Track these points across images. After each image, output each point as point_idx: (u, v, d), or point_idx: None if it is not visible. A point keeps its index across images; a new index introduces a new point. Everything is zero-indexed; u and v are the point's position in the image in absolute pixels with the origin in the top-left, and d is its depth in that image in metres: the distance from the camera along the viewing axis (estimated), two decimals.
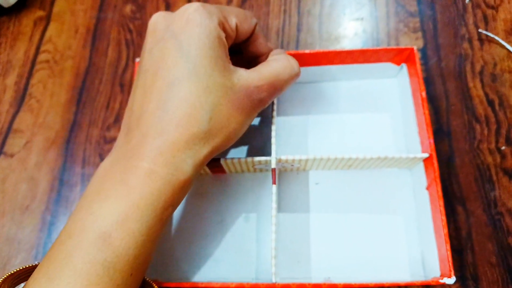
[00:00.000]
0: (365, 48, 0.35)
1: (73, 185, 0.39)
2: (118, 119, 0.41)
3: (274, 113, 0.33)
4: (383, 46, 0.42)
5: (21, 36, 0.45)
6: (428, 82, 0.40)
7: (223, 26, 0.27)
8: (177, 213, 0.35)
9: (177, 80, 0.24)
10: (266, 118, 0.38)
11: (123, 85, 0.42)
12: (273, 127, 0.32)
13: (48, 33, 0.45)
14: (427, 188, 0.32)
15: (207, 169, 0.33)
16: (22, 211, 0.38)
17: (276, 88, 0.28)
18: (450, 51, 0.42)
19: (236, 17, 0.28)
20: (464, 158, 0.37)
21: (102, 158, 0.39)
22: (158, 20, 0.27)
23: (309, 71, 0.37)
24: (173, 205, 0.24)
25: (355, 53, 0.35)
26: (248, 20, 0.29)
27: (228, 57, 0.27)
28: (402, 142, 0.37)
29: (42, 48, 0.45)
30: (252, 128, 0.38)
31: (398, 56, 0.36)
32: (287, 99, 0.39)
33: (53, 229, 0.37)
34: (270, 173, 0.36)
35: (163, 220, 0.24)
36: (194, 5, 0.26)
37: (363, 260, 0.33)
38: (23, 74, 0.43)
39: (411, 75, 0.36)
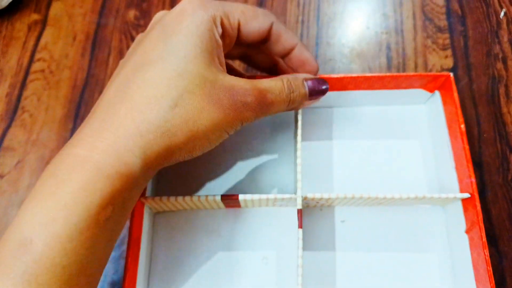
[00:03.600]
0: (395, 73, 0.32)
1: None
2: None
3: (298, 139, 0.30)
4: (410, 63, 0.39)
5: (14, 41, 0.41)
6: None
7: (221, 22, 0.24)
8: (183, 252, 0.32)
9: (149, 62, 0.22)
10: (287, 143, 0.35)
11: None
12: (299, 160, 0.29)
13: (43, 39, 0.41)
14: (467, 232, 0.29)
15: (219, 203, 0.30)
16: None
17: (265, 101, 0.24)
18: (482, 72, 0.38)
19: (241, 15, 0.25)
20: (497, 192, 0.34)
21: None
22: (156, 15, 0.27)
23: (333, 96, 0.34)
24: (114, 204, 0.20)
25: (385, 78, 0.32)
26: (259, 18, 0.26)
27: (221, 57, 0.24)
28: (434, 174, 0.34)
29: (37, 55, 0.41)
30: (271, 154, 0.35)
31: (432, 82, 0.33)
32: (311, 123, 0.36)
33: None
34: (290, 208, 0.32)
35: (100, 222, 0.19)
36: None
37: None
38: (16, 84, 0.40)
39: (445, 103, 0.33)
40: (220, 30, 0.24)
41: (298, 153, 0.29)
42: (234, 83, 0.23)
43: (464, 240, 0.29)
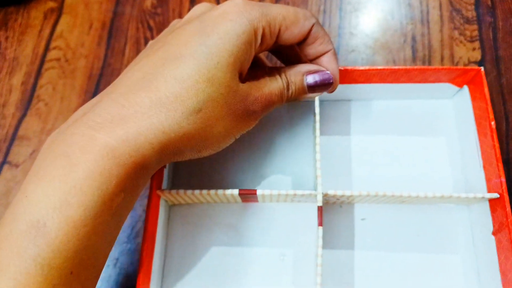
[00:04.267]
0: (423, 66, 0.30)
1: None
2: None
3: (317, 133, 0.29)
4: (436, 55, 0.37)
5: (30, 29, 0.41)
6: None
7: (262, 32, 0.23)
8: (198, 246, 0.31)
9: (181, 57, 0.21)
10: (306, 136, 0.34)
11: None
12: (318, 156, 0.28)
13: (59, 27, 0.41)
14: (494, 234, 0.28)
15: (237, 197, 0.29)
16: None
17: (268, 105, 0.25)
18: (511, 65, 0.37)
19: (282, 21, 0.24)
20: None
21: None
22: (196, 8, 0.26)
23: (356, 88, 0.33)
24: (125, 191, 0.20)
25: (412, 72, 0.30)
26: (299, 23, 0.25)
27: (247, 65, 0.24)
28: (460, 172, 0.32)
29: (53, 44, 0.40)
30: (290, 148, 0.33)
31: (460, 76, 0.31)
32: (331, 117, 0.34)
33: None
34: (309, 204, 0.31)
35: (112, 209, 0.19)
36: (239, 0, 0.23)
37: None
38: (31, 73, 0.39)
39: (474, 98, 0.31)
40: (259, 42, 0.23)
41: (317, 148, 0.28)
42: (248, 92, 0.23)
43: (491, 242, 0.28)
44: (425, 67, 0.30)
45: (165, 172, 0.30)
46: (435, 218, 0.31)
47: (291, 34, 0.25)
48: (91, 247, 0.19)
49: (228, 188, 0.28)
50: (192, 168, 0.33)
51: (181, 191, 0.28)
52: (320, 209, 0.27)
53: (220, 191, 0.28)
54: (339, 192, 0.27)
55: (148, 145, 0.20)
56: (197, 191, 0.28)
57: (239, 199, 0.30)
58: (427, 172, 0.32)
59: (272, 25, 0.23)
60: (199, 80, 0.21)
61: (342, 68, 0.30)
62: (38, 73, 0.39)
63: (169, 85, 0.20)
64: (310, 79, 0.26)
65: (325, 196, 0.28)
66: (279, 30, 0.24)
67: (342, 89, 0.33)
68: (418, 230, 0.31)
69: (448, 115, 0.34)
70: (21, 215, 0.18)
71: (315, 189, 0.28)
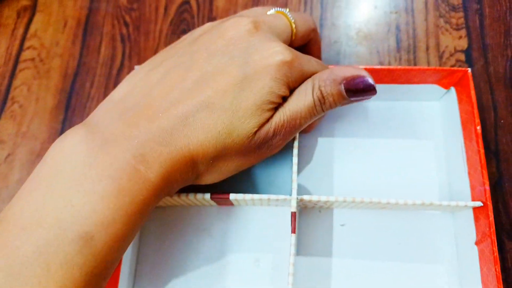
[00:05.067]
0: (407, 67, 0.29)
1: None
2: None
3: (295, 143, 0.27)
4: (421, 45, 0.36)
5: (3, 29, 0.40)
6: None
7: (298, 80, 0.24)
8: (172, 251, 0.30)
9: (214, 107, 0.22)
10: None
11: None
12: (295, 160, 0.27)
13: (33, 26, 0.40)
14: (477, 244, 0.27)
15: (210, 200, 0.28)
16: None
17: (293, 129, 0.25)
18: (499, 53, 0.35)
19: (309, 71, 0.25)
20: None
21: None
22: (234, 34, 0.24)
23: None
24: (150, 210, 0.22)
25: (396, 72, 0.29)
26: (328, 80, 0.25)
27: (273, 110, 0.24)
28: (445, 178, 0.31)
29: (27, 43, 0.39)
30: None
31: (447, 78, 0.30)
32: None
33: None
34: (286, 208, 0.30)
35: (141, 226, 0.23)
36: (285, 51, 0.23)
37: None
38: (5, 74, 0.38)
39: (460, 101, 0.30)
40: (284, 94, 0.24)
41: (295, 151, 0.27)
42: (267, 130, 0.23)
43: (473, 252, 0.27)
44: (410, 67, 0.29)
45: None
46: (418, 225, 0.30)
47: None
48: (121, 256, 0.21)
49: (200, 191, 0.27)
50: None
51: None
52: (293, 215, 0.26)
53: (191, 195, 0.26)
54: (314, 198, 0.26)
55: (179, 176, 0.22)
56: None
57: (213, 202, 0.29)
58: (411, 177, 0.31)
59: (300, 81, 0.24)
60: (221, 132, 0.22)
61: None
62: (12, 74, 0.38)
63: (203, 114, 0.22)
64: (348, 86, 0.24)
65: (301, 201, 0.27)
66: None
67: None
68: (400, 238, 0.30)
69: (435, 118, 0.33)
70: (68, 224, 0.19)
71: (290, 192, 0.27)
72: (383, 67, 0.29)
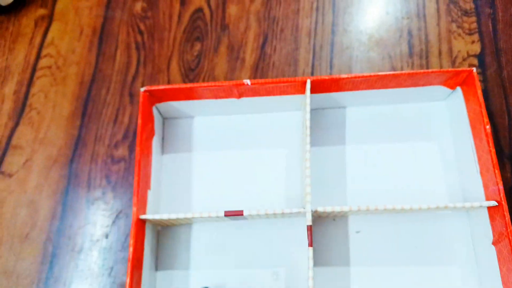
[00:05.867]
0: (412, 71, 0.29)
1: (77, 211, 0.34)
2: (127, 135, 0.36)
3: (307, 147, 0.27)
4: (433, 50, 0.36)
5: (21, 38, 0.41)
6: (486, 94, 0.34)
7: None
8: (188, 268, 0.31)
9: None
10: (295, 146, 0.33)
11: (133, 95, 0.37)
12: (307, 172, 0.27)
13: (50, 35, 0.40)
14: (494, 244, 0.26)
15: (224, 217, 0.28)
16: (21, 240, 0.34)
17: None
18: None
19: None
20: None
21: (109, 181, 0.35)
22: None
23: (345, 96, 0.32)
24: None
25: (401, 77, 0.29)
26: None
27: None
28: (456, 179, 0.31)
29: (44, 51, 0.40)
30: (279, 160, 0.33)
31: (452, 78, 0.30)
32: (321, 127, 0.33)
33: (55, 262, 0.33)
34: (300, 219, 0.31)
35: None
36: None
37: None
38: (23, 81, 0.39)
39: (467, 101, 0.30)
40: None
41: (307, 163, 0.27)
42: None
43: (491, 253, 0.27)
44: (415, 71, 0.29)
45: (148, 196, 0.30)
46: (433, 227, 0.30)
47: None
48: None
49: (213, 209, 0.27)
50: (176, 192, 0.33)
51: (165, 216, 0.27)
52: (309, 228, 0.26)
53: (205, 214, 0.27)
54: (328, 209, 0.26)
55: None
56: (181, 214, 0.27)
57: (226, 218, 0.29)
58: (423, 180, 0.31)
59: None
60: None
61: (327, 78, 0.29)
62: (30, 82, 0.39)
63: None
64: None
65: (315, 212, 0.27)
66: None
67: (329, 97, 0.32)
68: (416, 241, 0.30)
69: (442, 118, 0.33)
70: None
71: (304, 205, 0.27)
72: (388, 73, 0.29)
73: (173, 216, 0.27)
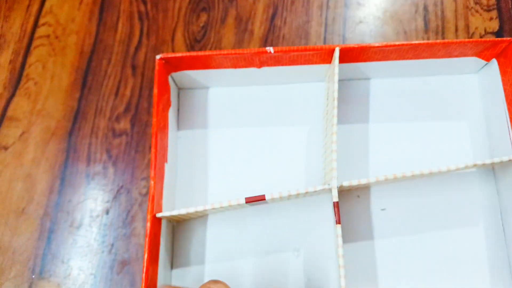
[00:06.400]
0: (448, 40, 0.28)
1: (76, 186, 0.33)
2: (129, 108, 0.34)
3: (334, 121, 0.26)
4: (449, 26, 0.35)
5: (17, 5, 0.38)
6: None
7: None
8: (208, 246, 0.30)
9: None
10: (315, 122, 0.32)
11: (135, 67, 0.36)
12: (334, 146, 0.25)
13: (48, 2, 0.38)
14: None
15: (244, 204, 0.27)
16: (18, 214, 0.32)
17: None
18: None
19: None
20: None
21: (110, 155, 0.33)
22: None
23: (371, 67, 0.30)
24: None
25: (436, 46, 0.28)
26: None
27: None
28: (486, 157, 0.30)
29: (41, 20, 0.38)
30: (297, 136, 0.31)
31: (489, 50, 0.29)
32: (344, 100, 0.32)
33: (53, 238, 0.32)
34: (322, 197, 0.29)
35: None
36: None
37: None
38: (19, 51, 0.37)
39: (504, 73, 0.28)
40: None
41: (334, 137, 0.25)
42: None
43: None
44: (450, 40, 0.28)
45: (164, 193, 0.28)
46: (459, 196, 0.29)
47: None
48: None
49: (231, 192, 0.26)
50: (194, 184, 0.31)
51: (183, 210, 0.26)
52: (336, 205, 0.24)
53: (225, 203, 0.25)
54: (354, 182, 0.25)
55: None
56: (200, 207, 0.26)
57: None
58: (450, 155, 0.30)
59: None
60: None
61: (357, 46, 0.27)
62: (27, 51, 0.37)
63: None
64: None
65: (340, 188, 0.25)
66: None
67: (355, 68, 0.30)
68: (440, 207, 0.29)
69: (473, 92, 0.31)
70: None
71: (328, 182, 0.25)
72: (422, 42, 0.28)
73: (191, 209, 0.26)
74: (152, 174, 0.26)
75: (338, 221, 0.24)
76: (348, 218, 0.29)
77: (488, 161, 0.25)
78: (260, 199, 0.25)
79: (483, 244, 0.28)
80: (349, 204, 0.29)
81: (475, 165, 0.25)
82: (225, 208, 0.26)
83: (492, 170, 0.29)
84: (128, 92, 0.35)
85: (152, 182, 0.26)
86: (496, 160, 0.25)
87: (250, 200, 0.25)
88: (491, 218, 0.28)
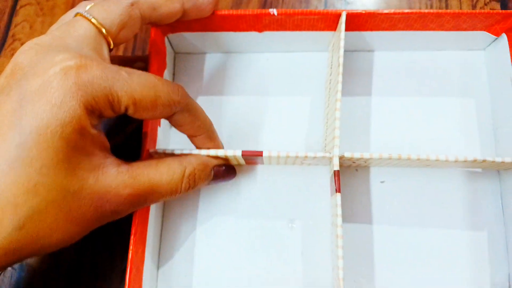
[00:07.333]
0: (456, 11, 0.26)
1: None
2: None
3: (339, 87, 0.25)
4: None
5: None
6: None
7: (103, 106, 0.19)
8: (200, 212, 0.28)
9: None
10: (317, 90, 0.30)
11: None
12: (337, 114, 0.24)
13: None
14: None
15: (240, 158, 0.25)
16: None
17: (146, 199, 0.21)
18: None
19: (138, 91, 0.19)
20: None
21: None
22: (22, 59, 0.20)
23: (377, 36, 0.29)
24: None
25: (445, 17, 0.26)
26: (156, 107, 0.20)
27: (95, 149, 0.19)
28: (491, 137, 0.29)
29: None
30: (297, 104, 0.30)
31: (500, 23, 0.27)
32: (347, 72, 0.31)
33: None
34: (320, 168, 0.28)
35: None
36: (67, 60, 0.18)
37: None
38: (4, 9, 0.35)
39: None
40: (93, 122, 0.19)
41: (338, 104, 0.24)
42: (107, 189, 0.19)
43: None
44: (460, 11, 0.26)
45: (158, 132, 0.27)
46: (461, 186, 0.28)
47: (145, 114, 0.20)
48: None
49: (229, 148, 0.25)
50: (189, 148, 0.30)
51: (177, 151, 0.24)
52: (337, 174, 0.23)
53: (220, 152, 0.24)
54: (356, 155, 0.24)
55: None
56: (195, 151, 0.24)
57: (242, 161, 0.26)
58: (454, 134, 0.29)
59: (122, 96, 0.19)
60: (16, 194, 0.17)
61: (364, 12, 0.26)
62: (13, 10, 0.35)
63: None
64: (218, 172, 0.25)
65: (340, 158, 0.24)
66: (134, 102, 0.19)
67: (360, 37, 0.29)
68: (442, 200, 0.28)
69: (480, 69, 0.30)
70: None
71: (329, 151, 0.24)
72: (430, 11, 0.26)
73: (186, 151, 0.24)
74: (144, 137, 0.25)
75: (338, 190, 0.23)
76: (345, 194, 0.28)
77: (489, 159, 0.24)
78: (257, 154, 0.24)
79: (485, 248, 0.27)
80: (347, 178, 0.28)
81: (474, 161, 0.24)
82: (222, 158, 0.25)
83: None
84: (120, 53, 0.33)
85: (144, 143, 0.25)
86: (498, 159, 0.24)
87: (246, 154, 0.24)
88: (495, 219, 0.28)
